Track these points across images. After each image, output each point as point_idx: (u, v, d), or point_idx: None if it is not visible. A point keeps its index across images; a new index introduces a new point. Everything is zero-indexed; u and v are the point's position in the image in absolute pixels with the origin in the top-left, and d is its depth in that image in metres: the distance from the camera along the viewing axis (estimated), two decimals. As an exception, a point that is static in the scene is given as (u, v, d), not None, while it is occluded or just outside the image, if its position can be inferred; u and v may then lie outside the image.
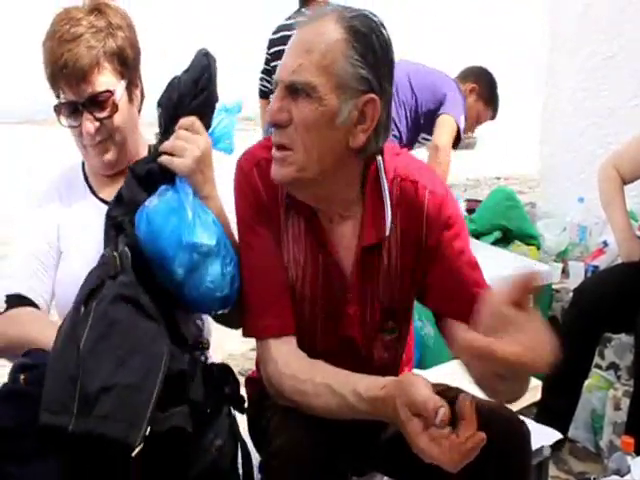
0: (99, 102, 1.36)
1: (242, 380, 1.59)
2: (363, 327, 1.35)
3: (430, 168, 1.43)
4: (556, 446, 1.88)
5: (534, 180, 5.95)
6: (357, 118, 1.20)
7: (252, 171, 1.31)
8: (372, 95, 1.20)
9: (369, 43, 1.19)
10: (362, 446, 1.33)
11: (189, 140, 1.23)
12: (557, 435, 1.82)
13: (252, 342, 1.36)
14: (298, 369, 1.22)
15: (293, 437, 1.15)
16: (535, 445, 1.43)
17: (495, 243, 3.35)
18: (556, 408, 2.34)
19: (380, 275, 1.33)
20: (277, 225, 1.32)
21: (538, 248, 3.38)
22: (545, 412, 2.35)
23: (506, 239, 3.41)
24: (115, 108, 1.38)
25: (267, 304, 1.28)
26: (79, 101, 1.35)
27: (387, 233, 1.30)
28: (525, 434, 1.29)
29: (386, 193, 1.31)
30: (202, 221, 1.21)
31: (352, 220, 1.32)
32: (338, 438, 1.17)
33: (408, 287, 1.36)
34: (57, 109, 1.38)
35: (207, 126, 1.28)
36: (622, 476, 1.56)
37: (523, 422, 1.32)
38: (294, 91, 1.18)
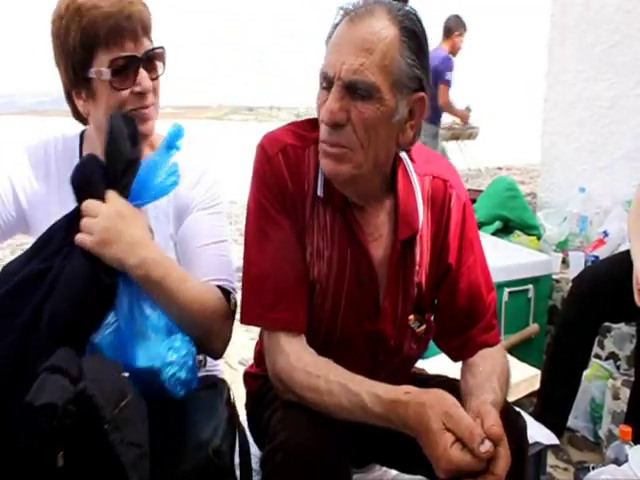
0: (153, 60, 1.35)
1: (241, 370, 1.59)
2: (394, 320, 1.34)
3: (453, 167, 1.44)
4: (555, 435, 1.89)
5: (535, 170, 5.95)
6: (408, 115, 1.22)
7: (277, 157, 1.27)
8: (422, 94, 1.22)
9: (419, 42, 1.20)
10: (362, 438, 1.34)
11: (93, 213, 1.19)
12: (554, 439, 1.82)
13: (252, 331, 1.36)
14: (311, 364, 1.20)
15: (296, 433, 1.14)
16: (531, 440, 1.44)
17: (496, 233, 3.36)
18: (555, 397, 2.35)
19: (412, 268, 1.33)
20: (302, 215, 1.29)
21: (539, 238, 3.38)
22: (544, 401, 2.36)
23: (507, 229, 3.41)
24: (164, 68, 1.37)
25: (280, 296, 1.25)
26: (138, 55, 1.32)
27: (419, 227, 1.31)
28: (521, 426, 1.30)
29: (417, 187, 1.32)
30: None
31: (383, 212, 1.32)
32: (340, 431, 1.17)
33: (433, 280, 1.36)
34: (99, 72, 1.31)
35: (127, 183, 1.23)
36: (620, 465, 1.57)
37: (519, 413, 1.33)
38: (354, 90, 1.16)
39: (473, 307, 1.36)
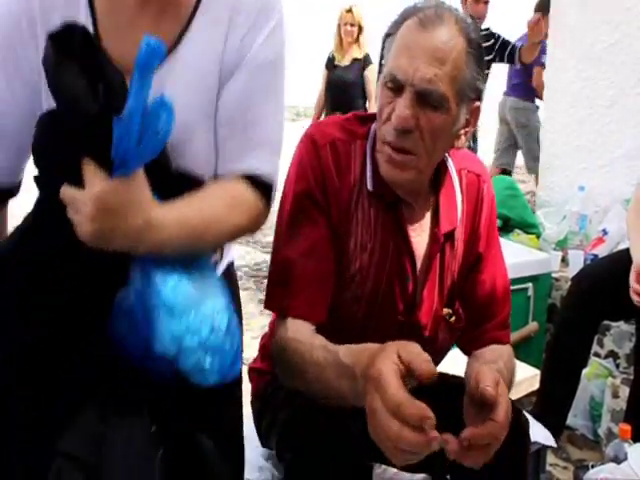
0: None
1: (244, 369, 1.58)
2: (430, 311, 1.37)
3: (482, 162, 1.49)
4: (554, 434, 1.89)
5: (535, 169, 5.94)
6: (464, 123, 1.26)
7: (325, 148, 1.29)
8: (479, 103, 1.26)
9: (481, 53, 1.23)
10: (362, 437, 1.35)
11: (74, 208, 0.91)
12: (552, 441, 1.83)
13: (253, 329, 1.36)
14: (303, 336, 1.21)
15: (319, 439, 1.15)
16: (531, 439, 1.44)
17: (495, 232, 3.36)
18: (555, 396, 2.35)
19: (450, 261, 1.37)
20: (345, 210, 1.30)
21: (538, 237, 3.38)
22: (544, 400, 2.36)
23: (506, 228, 3.41)
24: None
25: (302, 288, 1.26)
26: None
27: (458, 222, 1.36)
28: (523, 423, 1.31)
29: (456, 182, 1.37)
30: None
31: (426, 207, 1.35)
32: (354, 431, 1.16)
33: (465, 270, 1.40)
34: None
35: (102, 148, 0.89)
36: (619, 463, 1.58)
37: (521, 410, 1.34)
38: (424, 99, 1.18)
39: (492, 300, 1.40)
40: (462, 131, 1.27)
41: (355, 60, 5.15)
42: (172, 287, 0.96)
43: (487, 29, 4.41)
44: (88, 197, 0.89)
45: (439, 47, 1.17)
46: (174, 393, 1.01)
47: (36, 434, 0.97)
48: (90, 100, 0.88)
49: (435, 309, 1.38)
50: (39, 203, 0.99)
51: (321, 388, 1.13)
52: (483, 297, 1.40)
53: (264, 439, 1.49)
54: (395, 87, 1.20)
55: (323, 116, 5.34)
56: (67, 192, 0.92)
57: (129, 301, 0.96)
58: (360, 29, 5.12)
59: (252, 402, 1.52)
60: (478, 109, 1.28)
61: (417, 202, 1.34)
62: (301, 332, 1.23)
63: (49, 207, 0.95)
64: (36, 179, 0.99)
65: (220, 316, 0.99)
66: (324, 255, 1.28)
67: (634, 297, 2.07)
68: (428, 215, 1.36)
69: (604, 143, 3.49)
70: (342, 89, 5.14)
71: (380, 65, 1.29)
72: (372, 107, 4.97)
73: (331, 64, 5.22)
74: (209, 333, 0.97)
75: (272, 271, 1.32)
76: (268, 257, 1.42)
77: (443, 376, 1.44)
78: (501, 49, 4.39)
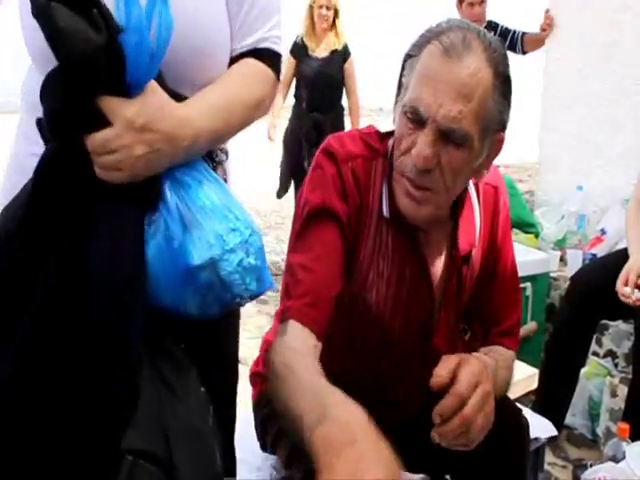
0: None
1: (246, 372, 1.56)
2: (448, 333, 1.34)
3: (498, 171, 1.43)
4: (553, 433, 1.89)
5: (533, 168, 5.94)
6: (485, 157, 1.21)
7: (347, 164, 1.23)
8: (503, 134, 1.20)
9: (510, 88, 1.17)
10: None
11: (105, 150, 0.89)
12: (553, 430, 1.83)
13: (250, 330, 1.34)
14: (299, 345, 1.11)
15: None
16: (531, 435, 1.44)
17: (494, 231, 3.35)
18: (553, 395, 2.35)
19: (466, 281, 1.33)
20: (366, 232, 1.25)
21: (537, 236, 3.39)
22: (543, 399, 2.36)
23: (505, 227, 3.41)
24: None
25: (305, 291, 1.17)
26: None
27: (476, 241, 1.32)
28: (523, 422, 1.31)
29: (475, 200, 1.32)
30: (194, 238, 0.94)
31: (443, 231, 1.31)
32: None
33: (481, 284, 1.37)
34: None
35: (117, 79, 0.87)
36: (617, 462, 1.57)
37: (520, 410, 1.34)
38: (447, 136, 1.12)
39: (499, 307, 1.38)
40: (485, 163, 1.22)
41: (334, 52, 4.39)
42: (208, 192, 0.96)
43: None
44: (121, 128, 0.88)
45: (465, 82, 1.09)
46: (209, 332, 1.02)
47: (97, 434, 0.90)
48: (93, 32, 0.83)
49: (452, 330, 1.35)
50: (45, 165, 0.92)
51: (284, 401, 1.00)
52: (491, 303, 1.37)
53: (269, 447, 1.46)
54: (416, 119, 1.13)
55: (291, 113, 4.54)
56: (95, 138, 0.88)
57: (163, 219, 0.94)
58: (336, 13, 4.36)
59: (255, 407, 1.48)
60: (501, 140, 1.21)
61: (434, 227, 1.29)
62: (293, 342, 1.12)
63: (63, 164, 0.91)
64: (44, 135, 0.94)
65: (254, 223, 1.00)
66: (332, 260, 1.21)
67: (622, 298, 2.08)
68: (444, 238, 1.31)
69: (603, 143, 3.49)
70: (324, 86, 4.38)
71: (399, 87, 1.22)
72: (354, 106, 4.55)
73: (302, 52, 4.38)
74: (250, 234, 0.98)
75: (283, 280, 1.24)
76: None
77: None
78: (501, 39, 4.24)
